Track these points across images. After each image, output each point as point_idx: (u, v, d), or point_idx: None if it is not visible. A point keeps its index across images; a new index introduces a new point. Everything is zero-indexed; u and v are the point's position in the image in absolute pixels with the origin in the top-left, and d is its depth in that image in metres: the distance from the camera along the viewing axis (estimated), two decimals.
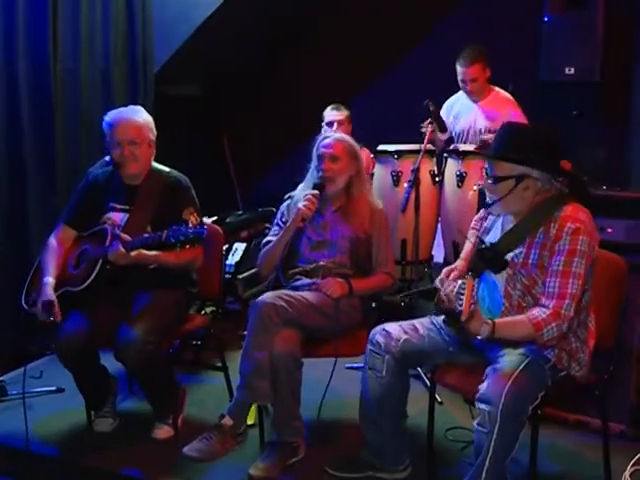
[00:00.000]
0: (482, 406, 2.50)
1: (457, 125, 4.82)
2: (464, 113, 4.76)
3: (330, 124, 4.87)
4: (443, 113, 4.86)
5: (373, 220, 3.43)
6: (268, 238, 3.50)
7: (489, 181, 2.73)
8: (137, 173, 3.38)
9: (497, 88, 4.71)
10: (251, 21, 5.59)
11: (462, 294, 2.53)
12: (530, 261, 2.66)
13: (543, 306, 2.59)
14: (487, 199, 2.81)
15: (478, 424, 2.52)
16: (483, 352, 2.79)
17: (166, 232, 3.04)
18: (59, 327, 3.18)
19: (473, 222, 3.05)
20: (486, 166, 2.77)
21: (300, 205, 3.34)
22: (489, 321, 2.51)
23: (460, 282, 2.68)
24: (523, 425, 2.50)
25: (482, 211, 3.02)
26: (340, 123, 4.87)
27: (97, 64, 4.74)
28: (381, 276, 3.43)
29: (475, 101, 4.72)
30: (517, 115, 4.52)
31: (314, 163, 3.47)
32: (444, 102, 4.81)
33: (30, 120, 4.26)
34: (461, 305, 2.51)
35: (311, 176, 3.48)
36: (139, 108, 3.47)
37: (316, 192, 3.36)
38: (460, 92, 4.81)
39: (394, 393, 2.92)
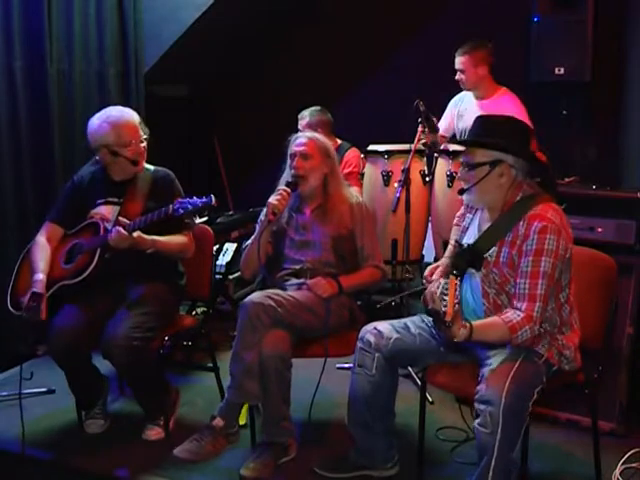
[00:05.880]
0: (482, 407, 2.49)
1: (460, 123, 4.81)
2: (468, 111, 4.75)
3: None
4: (448, 108, 4.86)
5: (353, 215, 3.43)
6: (248, 242, 3.50)
7: (465, 169, 2.74)
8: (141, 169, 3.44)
9: (504, 88, 4.69)
10: (240, 22, 5.59)
11: (446, 294, 2.50)
12: (501, 259, 2.68)
13: (516, 308, 2.60)
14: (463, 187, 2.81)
15: (479, 424, 2.50)
16: (474, 352, 2.79)
17: (172, 206, 3.04)
18: (48, 324, 3.17)
19: (456, 219, 3.06)
20: (462, 159, 2.78)
21: (270, 199, 3.33)
22: (467, 324, 2.50)
23: (443, 282, 2.64)
24: (525, 421, 2.51)
25: (462, 207, 3.03)
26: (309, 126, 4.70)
27: (91, 65, 4.75)
28: (369, 270, 3.42)
29: (478, 98, 4.70)
30: (519, 116, 4.49)
31: (288, 162, 3.47)
32: (433, 102, 4.80)
33: (27, 121, 4.27)
34: (445, 306, 2.48)
35: (285, 175, 3.48)
36: (126, 108, 3.48)
37: (287, 188, 3.37)
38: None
39: (383, 392, 2.92)
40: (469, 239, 2.84)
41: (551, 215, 2.62)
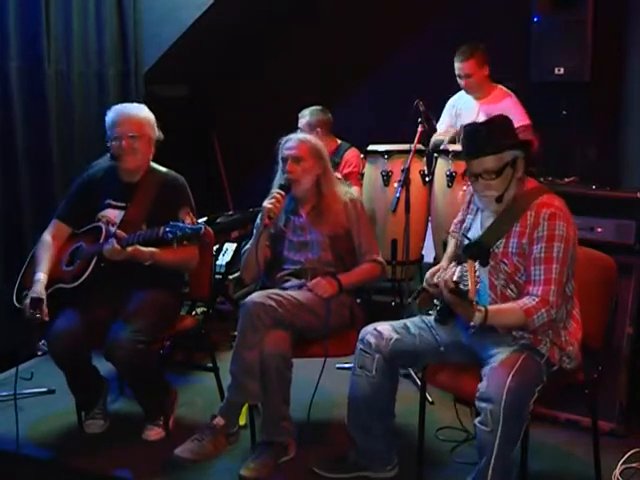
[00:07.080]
0: (483, 405, 2.50)
1: (459, 122, 4.79)
2: (466, 111, 4.72)
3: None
4: (447, 108, 4.85)
5: (348, 213, 3.43)
6: (247, 246, 3.50)
7: (490, 177, 2.70)
8: (134, 168, 3.38)
9: (500, 85, 4.65)
10: (240, 22, 5.59)
11: (465, 278, 2.56)
12: (510, 250, 2.70)
13: (531, 294, 2.62)
14: (481, 201, 2.81)
15: (480, 422, 2.52)
16: (475, 352, 2.80)
17: (163, 228, 3.04)
18: (48, 326, 3.17)
19: (453, 226, 3.06)
20: (477, 171, 2.72)
21: (265, 203, 3.33)
22: (482, 308, 2.53)
23: (459, 268, 2.69)
24: (526, 419, 2.52)
25: (460, 214, 3.04)
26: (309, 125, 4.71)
27: (91, 66, 4.74)
28: (368, 265, 3.42)
29: (477, 98, 4.68)
30: (518, 112, 4.43)
31: (280, 165, 3.46)
32: (433, 102, 4.80)
33: (24, 123, 4.25)
34: (466, 286, 2.53)
35: (278, 178, 3.48)
36: (142, 105, 3.49)
37: (281, 191, 3.36)
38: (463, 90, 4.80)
39: (383, 393, 2.92)
40: (473, 236, 2.83)
41: (558, 203, 2.69)
